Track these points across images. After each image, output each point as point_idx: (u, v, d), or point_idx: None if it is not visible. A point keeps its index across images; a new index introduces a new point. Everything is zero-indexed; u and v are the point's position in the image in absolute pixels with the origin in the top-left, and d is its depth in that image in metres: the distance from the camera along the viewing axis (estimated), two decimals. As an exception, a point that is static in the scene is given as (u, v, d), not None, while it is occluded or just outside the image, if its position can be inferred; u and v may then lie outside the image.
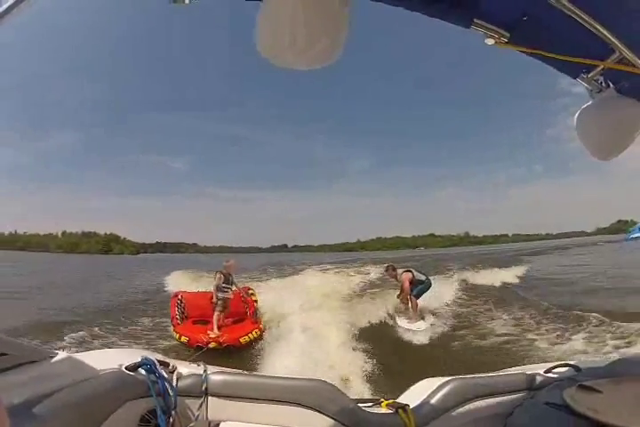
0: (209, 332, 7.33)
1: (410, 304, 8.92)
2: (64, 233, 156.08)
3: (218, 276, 7.98)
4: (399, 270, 9.50)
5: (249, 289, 9.41)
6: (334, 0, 0.88)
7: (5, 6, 0.83)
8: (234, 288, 8.21)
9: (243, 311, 8.64)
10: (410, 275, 9.18)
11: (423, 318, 8.73)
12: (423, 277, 9.37)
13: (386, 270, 9.91)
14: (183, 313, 8.58)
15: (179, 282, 14.16)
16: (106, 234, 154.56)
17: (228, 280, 7.98)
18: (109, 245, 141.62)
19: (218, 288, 7.88)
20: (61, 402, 1.10)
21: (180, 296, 9.03)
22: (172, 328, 8.03)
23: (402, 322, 8.50)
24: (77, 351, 1.77)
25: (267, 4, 0.89)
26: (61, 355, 1.24)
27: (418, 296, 9.11)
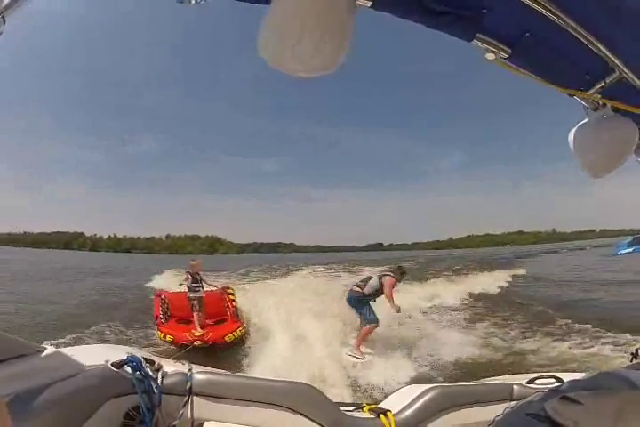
0: (193, 331, 7.32)
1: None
2: (168, 236, 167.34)
3: (185, 276, 7.99)
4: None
5: (228, 288, 9.41)
6: (341, 8, 0.88)
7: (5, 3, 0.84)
8: (207, 287, 8.19)
9: (223, 312, 8.65)
10: (393, 281, 6.87)
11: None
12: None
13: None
14: (167, 313, 8.50)
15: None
16: (207, 236, 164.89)
17: (196, 279, 7.96)
18: (214, 246, 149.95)
19: (189, 288, 7.88)
20: (48, 397, 1.10)
21: (163, 296, 8.98)
22: (156, 328, 7.97)
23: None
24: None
25: (274, 9, 0.89)
26: (50, 350, 1.24)
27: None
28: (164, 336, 7.24)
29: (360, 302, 6.78)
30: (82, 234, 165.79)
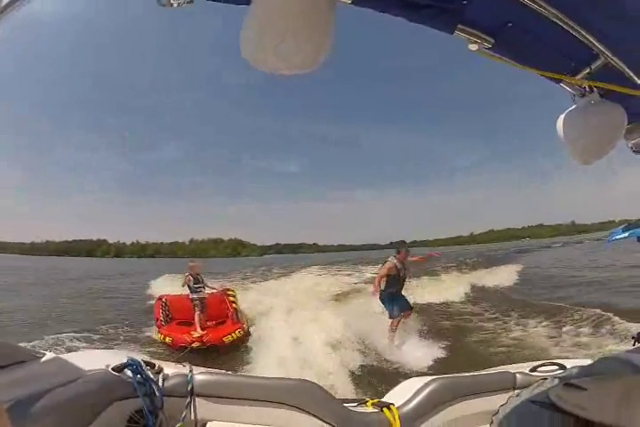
0: (192, 332, 7.37)
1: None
2: (191, 240, 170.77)
3: (187, 278, 8.01)
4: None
5: (228, 290, 9.47)
6: (321, 6, 0.88)
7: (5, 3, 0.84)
8: (207, 289, 8.28)
9: (224, 313, 8.73)
10: (392, 264, 6.92)
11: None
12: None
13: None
14: (167, 315, 8.66)
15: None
16: (230, 239, 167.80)
17: (197, 280, 8.01)
18: (237, 249, 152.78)
19: (191, 289, 7.94)
20: (49, 403, 1.10)
21: (164, 299, 9.10)
22: (155, 329, 8.07)
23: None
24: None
25: (254, 8, 0.89)
26: (48, 355, 1.24)
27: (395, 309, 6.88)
28: (164, 338, 7.32)
29: (385, 297, 6.99)
30: (104, 241, 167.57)
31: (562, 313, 8.40)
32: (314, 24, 0.90)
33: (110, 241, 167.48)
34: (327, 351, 6.21)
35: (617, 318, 7.04)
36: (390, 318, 6.89)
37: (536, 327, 7.70)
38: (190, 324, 7.99)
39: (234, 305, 8.84)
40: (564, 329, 7.30)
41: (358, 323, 7.35)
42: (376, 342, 6.71)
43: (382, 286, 6.98)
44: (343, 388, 5.01)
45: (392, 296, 6.97)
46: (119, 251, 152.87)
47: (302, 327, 7.43)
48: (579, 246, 37.27)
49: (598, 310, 7.88)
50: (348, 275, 18.58)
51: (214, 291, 8.73)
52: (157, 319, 8.34)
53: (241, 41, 0.92)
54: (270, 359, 6.04)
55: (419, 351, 6.31)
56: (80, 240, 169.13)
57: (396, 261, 7.05)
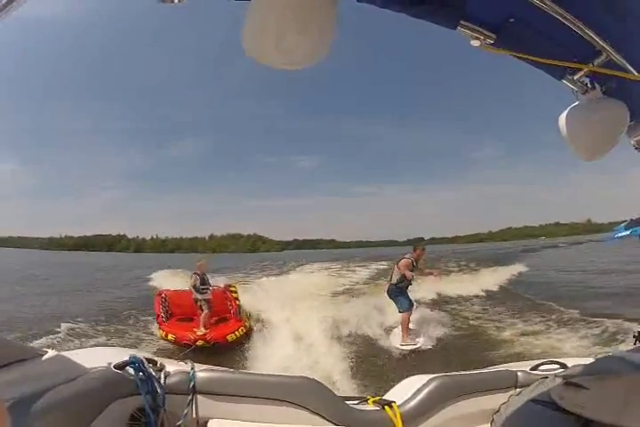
0: (195, 330, 7.33)
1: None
2: (211, 236, 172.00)
3: (193, 278, 7.92)
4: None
5: (230, 286, 9.40)
6: (323, 1, 0.88)
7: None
8: (212, 288, 8.21)
9: (226, 310, 8.65)
10: (408, 262, 7.13)
11: None
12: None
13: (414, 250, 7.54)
14: (167, 311, 8.55)
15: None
16: (249, 235, 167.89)
17: (204, 281, 7.93)
18: (256, 244, 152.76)
19: (197, 290, 7.83)
20: (51, 401, 1.10)
21: (163, 294, 8.99)
22: (157, 326, 8.03)
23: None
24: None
25: (255, 3, 0.89)
26: (50, 353, 1.24)
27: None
28: (166, 335, 7.29)
29: (393, 292, 7.26)
30: (124, 236, 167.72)
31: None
32: (315, 19, 0.89)
33: (130, 236, 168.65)
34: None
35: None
36: (400, 311, 7.07)
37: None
38: (191, 320, 8.00)
39: (236, 302, 8.75)
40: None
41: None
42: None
43: (394, 280, 7.24)
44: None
45: (401, 291, 7.24)
46: (139, 246, 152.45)
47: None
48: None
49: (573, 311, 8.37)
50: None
51: (216, 288, 8.67)
52: (158, 316, 8.24)
53: (242, 36, 0.92)
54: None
55: None
56: (99, 235, 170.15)
57: (412, 258, 7.29)
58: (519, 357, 5.78)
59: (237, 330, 7.48)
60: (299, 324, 7.77)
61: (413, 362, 6.29)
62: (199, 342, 6.88)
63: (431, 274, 7.68)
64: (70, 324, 8.18)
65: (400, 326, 7.11)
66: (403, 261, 7.22)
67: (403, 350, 6.67)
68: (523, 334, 7.37)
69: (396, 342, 6.92)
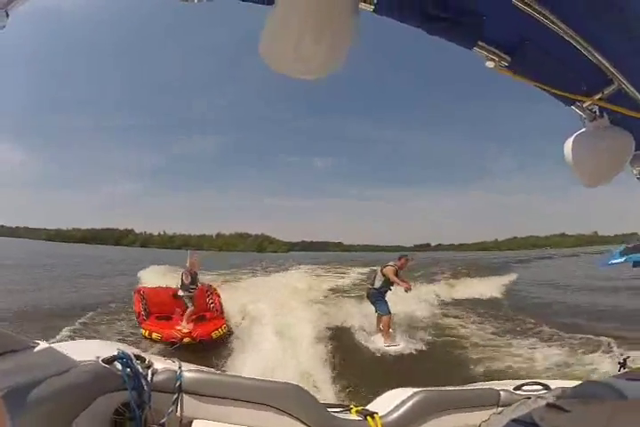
0: (179, 327, 7.31)
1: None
2: (218, 234, 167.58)
3: (185, 275, 7.97)
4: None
5: (211, 286, 9.49)
6: (344, 11, 0.88)
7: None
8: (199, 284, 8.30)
9: (206, 308, 8.68)
10: (393, 269, 7.47)
11: None
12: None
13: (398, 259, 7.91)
14: (146, 309, 8.40)
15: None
16: (257, 235, 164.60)
17: (194, 280, 8.00)
18: (262, 244, 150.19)
19: (184, 287, 7.89)
20: (39, 393, 1.10)
21: (142, 291, 8.85)
22: (138, 324, 7.90)
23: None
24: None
25: (276, 10, 0.88)
26: (42, 345, 1.24)
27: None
28: (150, 334, 7.18)
29: (374, 296, 7.51)
30: (131, 231, 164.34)
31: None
32: (335, 29, 0.89)
33: (137, 231, 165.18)
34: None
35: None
36: (380, 315, 7.34)
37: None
38: (169, 318, 7.96)
39: (219, 299, 8.84)
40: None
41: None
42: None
43: (377, 285, 7.50)
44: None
45: (382, 296, 7.50)
46: (146, 241, 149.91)
47: None
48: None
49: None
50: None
51: (200, 285, 8.69)
52: (139, 314, 8.05)
53: (260, 42, 0.92)
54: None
55: None
56: (107, 229, 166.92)
57: (396, 266, 7.56)
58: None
59: (221, 327, 7.51)
60: (278, 321, 7.80)
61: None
62: (186, 340, 6.86)
63: (405, 285, 7.64)
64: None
65: (378, 329, 7.38)
66: (388, 268, 7.48)
67: (387, 350, 6.87)
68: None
69: (380, 343, 7.10)
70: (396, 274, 7.47)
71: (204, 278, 10.56)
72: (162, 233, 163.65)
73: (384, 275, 7.45)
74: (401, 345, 6.99)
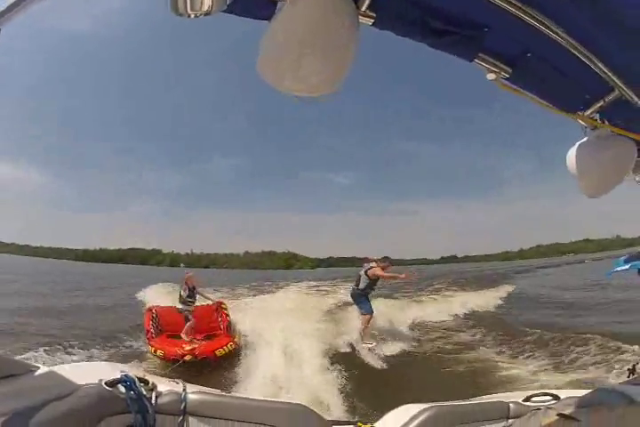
0: (184, 345, 7.29)
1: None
2: (246, 253, 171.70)
3: (183, 289, 8.13)
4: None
5: (222, 303, 9.42)
6: (343, 26, 0.85)
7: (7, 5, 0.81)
8: (199, 301, 8.44)
9: (217, 326, 8.71)
10: (378, 268, 7.90)
11: None
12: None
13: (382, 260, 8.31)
14: (157, 327, 8.44)
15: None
16: (283, 252, 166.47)
17: (191, 293, 8.12)
18: (289, 261, 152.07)
19: (182, 301, 8.05)
20: (42, 418, 1.07)
21: (153, 310, 8.89)
22: (146, 342, 7.89)
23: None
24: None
25: (274, 26, 0.86)
26: (42, 369, 1.22)
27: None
28: (155, 351, 7.21)
29: (358, 296, 7.98)
30: (159, 251, 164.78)
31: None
32: (335, 44, 0.87)
33: (165, 251, 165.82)
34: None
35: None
36: (364, 313, 7.75)
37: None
38: (180, 337, 7.94)
39: (227, 318, 8.74)
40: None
41: None
42: None
43: (362, 286, 7.91)
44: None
45: (365, 296, 7.93)
46: (173, 260, 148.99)
47: None
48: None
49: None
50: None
51: (208, 303, 8.87)
52: (148, 332, 8.08)
53: (258, 59, 0.90)
54: None
55: None
56: (134, 249, 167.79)
57: (380, 266, 8.03)
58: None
59: (226, 345, 7.38)
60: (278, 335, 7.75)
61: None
62: (187, 357, 6.78)
63: (401, 276, 8.33)
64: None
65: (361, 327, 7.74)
66: (374, 269, 7.94)
67: (363, 347, 7.30)
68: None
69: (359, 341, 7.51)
70: (383, 270, 7.95)
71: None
72: (189, 253, 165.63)
73: (369, 277, 7.88)
74: (374, 344, 7.40)
